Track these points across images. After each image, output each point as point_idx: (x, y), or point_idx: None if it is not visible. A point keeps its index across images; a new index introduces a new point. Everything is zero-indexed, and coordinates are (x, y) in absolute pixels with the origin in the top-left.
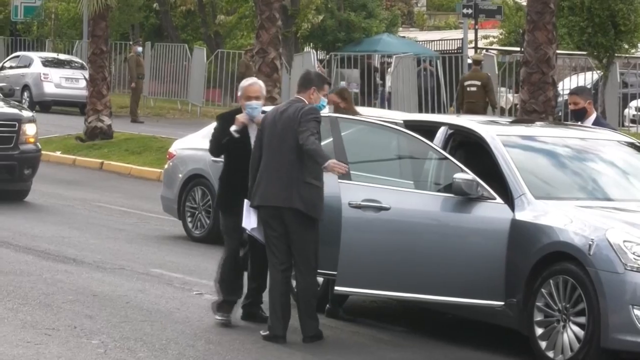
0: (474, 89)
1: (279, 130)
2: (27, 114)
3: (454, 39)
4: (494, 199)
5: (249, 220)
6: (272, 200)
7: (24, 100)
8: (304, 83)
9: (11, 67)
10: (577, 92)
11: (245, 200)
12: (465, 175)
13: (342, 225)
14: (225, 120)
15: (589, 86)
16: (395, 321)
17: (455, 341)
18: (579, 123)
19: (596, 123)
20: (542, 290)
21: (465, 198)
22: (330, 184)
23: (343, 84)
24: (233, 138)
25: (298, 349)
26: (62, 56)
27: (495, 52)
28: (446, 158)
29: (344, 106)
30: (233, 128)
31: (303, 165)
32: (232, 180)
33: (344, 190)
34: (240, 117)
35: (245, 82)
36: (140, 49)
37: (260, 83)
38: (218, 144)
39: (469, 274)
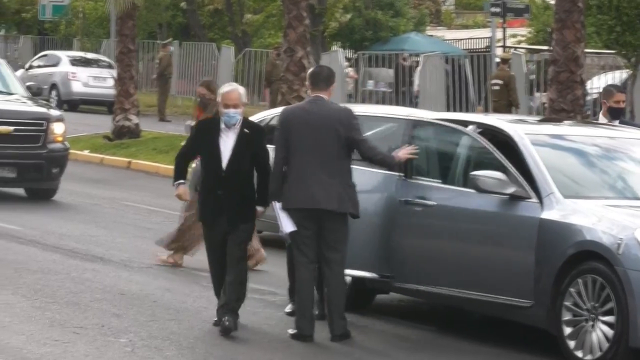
0: (497, 87)
1: (313, 131)
2: (55, 113)
3: (482, 38)
4: (529, 197)
5: (287, 223)
6: (308, 203)
7: (51, 99)
8: (324, 80)
9: (39, 66)
10: (622, 90)
11: (276, 203)
12: (495, 173)
13: (394, 222)
14: (203, 126)
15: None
16: (423, 321)
17: (484, 341)
18: (616, 122)
19: (623, 122)
20: (571, 289)
21: (501, 196)
22: (384, 181)
23: (371, 83)
24: (207, 146)
25: (325, 347)
26: (90, 55)
27: (523, 51)
28: (493, 155)
29: (210, 97)
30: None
31: (346, 168)
32: (206, 191)
33: (399, 188)
34: (182, 193)
35: (224, 88)
36: (172, 48)
37: (241, 90)
38: (186, 150)
39: (499, 271)
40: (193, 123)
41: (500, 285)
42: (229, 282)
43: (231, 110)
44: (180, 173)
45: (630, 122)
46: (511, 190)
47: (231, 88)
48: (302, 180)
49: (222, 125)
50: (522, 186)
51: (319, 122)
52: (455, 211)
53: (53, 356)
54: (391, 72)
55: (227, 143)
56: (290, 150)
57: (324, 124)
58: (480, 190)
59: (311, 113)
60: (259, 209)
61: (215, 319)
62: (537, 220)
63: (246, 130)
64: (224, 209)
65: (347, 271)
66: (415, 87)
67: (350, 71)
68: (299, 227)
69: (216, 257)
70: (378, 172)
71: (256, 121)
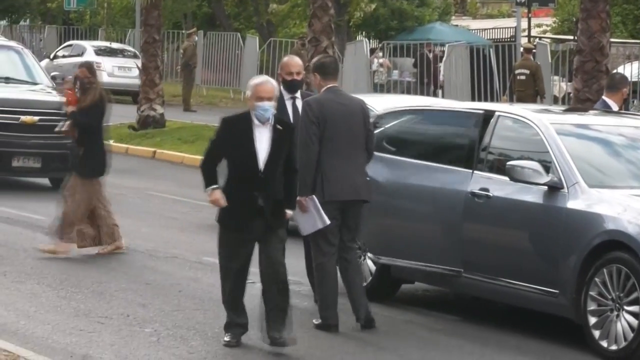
0: (523, 77)
1: (347, 122)
2: None
3: (507, 27)
4: (563, 188)
5: (324, 216)
6: (352, 195)
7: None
8: (336, 69)
9: (64, 56)
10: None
11: (314, 198)
12: (531, 163)
13: (464, 213)
14: (231, 124)
15: None
16: (448, 310)
17: (508, 330)
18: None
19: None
20: (596, 279)
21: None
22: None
23: (396, 73)
24: (240, 144)
25: (351, 337)
26: (115, 45)
27: (548, 40)
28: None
29: (91, 80)
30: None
31: (364, 156)
32: (238, 193)
33: (469, 180)
34: (219, 198)
35: (255, 80)
36: (197, 38)
37: (273, 82)
38: (212, 154)
39: (529, 261)
40: (70, 109)
41: (527, 274)
42: (275, 292)
43: (266, 103)
44: (211, 178)
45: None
46: (545, 180)
47: (264, 79)
48: (343, 171)
49: (255, 122)
50: (558, 176)
51: (350, 113)
52: (501, 202)
53: (78, 346)
54: (412, 61)
55: (262, 141)
56: (324, 143)
57: (354, 113)
58: (515, 180)
59: (342, 104)
60: (288, 212)
61: (228, 338)
62: (563, 210)
63: (279, 127)
64: (262, 212)
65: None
66: (441, 77)
67: (384, 60)
68: (330, 219)
69: (240, 265)
70: (451, 168)
71: None
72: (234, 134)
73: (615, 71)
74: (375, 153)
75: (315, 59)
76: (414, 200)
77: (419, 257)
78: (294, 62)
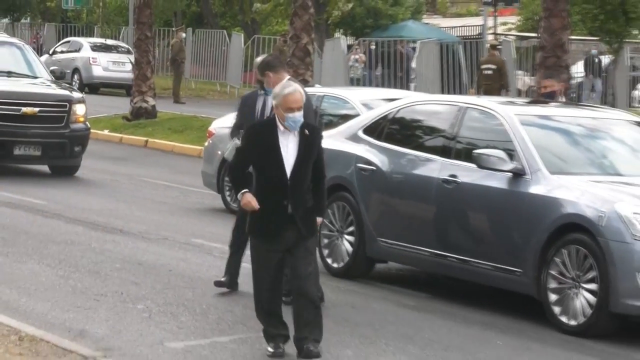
0: (489, 72)
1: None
2: (77, 95)
3: (475, 25)
4: (526, 174)
5: None
6: None
7: (74, 83)
8: (281, 63)
9: (62, 52)
10: (550, 76)
11: None
12: (496, 151)
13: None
14: (256, 131)
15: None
16: (419, 288)
17: (475, 306)
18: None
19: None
20: (556, 259)
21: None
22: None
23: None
24: (265, 152)
25: (328, 314)
26: (110, 41)
27: (513, 37)
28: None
29: None
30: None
31: None
32: (267, 202)
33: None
34: (250, 200)
35: (284, 90)
36: (184, 34)
37: (301, 90)
38: (240, 163)
39: (494, 242)
40: None
41: (493, 255)
42: (304, 303)
43: (297, 114)
44: (241, 184)
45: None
46: (509, 167)
47: (293, 89)
48: None
49: (281, 128)
50: (521, 163)
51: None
52: (469, 187)
53: (76, 321)
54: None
55: (289, 148)
56: None
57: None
58: (482, 167)
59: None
60: (318, 219)
61: (271, 349)
62: (526, 195)
63: (306, 132)
64: (293, 221)
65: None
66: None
67: (361, 56)
68: None
69: (272, 276)
70: (427, 156)
71: None
72: (260, 142)
73: None
74: (371, 140)
75: (259, 61)
76: (401, 186)
77: (407, 239)
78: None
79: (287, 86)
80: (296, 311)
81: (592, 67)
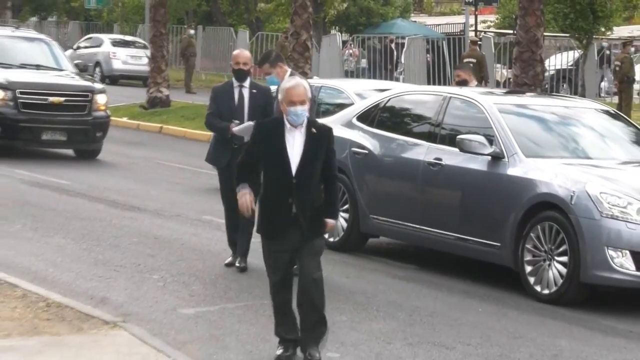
0: (470, 65)
1: None
2: (98, 86)
3: (457, 23)
4: (504, 157)
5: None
6: None
7: (95, 75)
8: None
9: (85, 47)
10: (460, 67)
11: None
12: (476, 136)
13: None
14: (263, 128)
15: (570, 63)
16: (407, 260)
17: (458, 277)
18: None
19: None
20: (531, 234)
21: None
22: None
23: (364, 61)
24: (271, 150)
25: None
26: (128, 38)
27: (492, 34)
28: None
29: None
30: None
31: None
32: (273, 200)
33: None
34: (245, 203)
35: (287, 84)
36: (192, 31)
37: (306, 84)
38: (247, 159)
39: (476, 219)
40: None
41: (474, 230)
42: (306, 308)
43: (299, 108)
44: (241, 179)
45: None
46: (489, 151)
47: (296, 82)
48: None
49: (287, 126)
50: (500, 147)
51: None
52: (452, 170)
53: (97, 290)
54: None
55: (294, 145)
56: None
57: None
58: (464, 151)
59: None
60: (330, 221)
61: (279, 352)
62: (504, 176)
63: (314, 130)
64: (297, 220)
65: None
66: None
67: (355, 50)
68: None
69: (280, 277)
70: (415, 141)
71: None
72: (266, 138)
73: None
74: (364, 127)
75: (262, 62)
76: (391, 168)
77: (396, 216)
78: (243, 54)
79: (290, 80)
80: (300, 315)
81: (603, 58)
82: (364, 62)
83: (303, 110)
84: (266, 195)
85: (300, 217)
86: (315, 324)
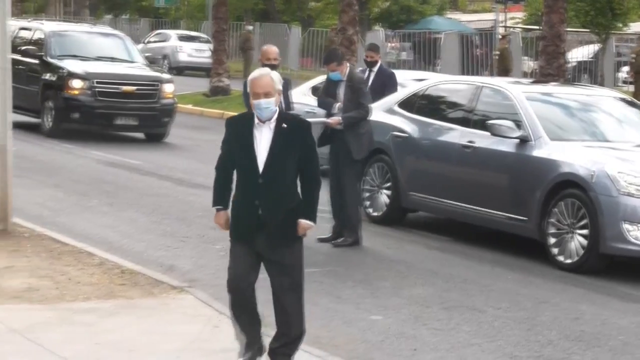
0: (496, 57)
1: None
2: (166, 76)
3: (488, 20)
4: (530, 140)
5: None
6: None
7: (163, 66)
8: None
9: (154, 42)
10: (371, 48)
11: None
12: (506, 121)
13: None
14: (233, 124)
15: (590, 56)
16: (442, 233)
17: (488, 248)
18: (372, 69)
19: (380, 69)
20: (555, 209)
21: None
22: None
23: (404, 54)
24: (239, 146)
25: (368, 253)
26: (193, 33)
27: (520, 30)
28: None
29: None
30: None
31: None
32: (240, 201)
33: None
34: (222, 223)
35: (252, 75)
36: (250, 27)
37: (274, 75)
38: (222, 158)
39: (506, 195)
40: None
41: (504, 206)
42: (280, 320)
43: (262, 101)
44: (220, 195)
45: (385, 70)
46: (517, 134)
47: (260, 73)
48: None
49: (256, 121)
50: (527, 131)
51: None
52: (484, 151)
53: (166, 258)
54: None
55: (261, 142)
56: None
57: None
58: (495, 134)
59: None
60: (304, 222)
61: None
62: (531, 157)
63: (284, 125)
64: (263, 224)
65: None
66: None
67: (396, 44)
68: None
69: (245, 286)
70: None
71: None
72: (236, 135)
73: None
74: (404, 113)
75: (329, 60)
76: (428, 150)
77: (433, 193)
78: (272, 50)
79: (257, 71)
80: (276, 321)
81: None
82: (404, 55)
83: (268, 103)
84: (235, 196)
85: (267, 220)
86: (290, 338)
